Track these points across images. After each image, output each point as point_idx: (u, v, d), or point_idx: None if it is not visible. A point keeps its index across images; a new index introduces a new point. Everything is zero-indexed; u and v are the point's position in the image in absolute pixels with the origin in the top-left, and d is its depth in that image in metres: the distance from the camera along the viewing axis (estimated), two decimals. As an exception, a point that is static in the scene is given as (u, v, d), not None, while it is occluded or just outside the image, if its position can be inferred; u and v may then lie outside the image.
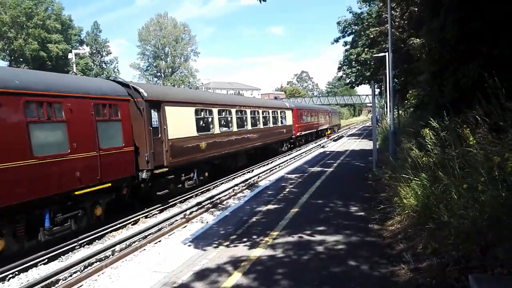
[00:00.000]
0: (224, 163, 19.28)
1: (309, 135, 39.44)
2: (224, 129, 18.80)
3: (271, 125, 26.50)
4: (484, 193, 4.91)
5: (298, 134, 33.88)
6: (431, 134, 7.78)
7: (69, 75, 14.34)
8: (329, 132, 46.20)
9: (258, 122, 24.09)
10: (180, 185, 14.68)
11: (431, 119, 7.74)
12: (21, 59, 51.45)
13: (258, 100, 37.50)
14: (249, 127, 22.22)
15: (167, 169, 13.33)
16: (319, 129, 43.92)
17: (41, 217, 8.96)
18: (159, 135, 13.14)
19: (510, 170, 4.52)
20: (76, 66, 40.92)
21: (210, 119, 17.37)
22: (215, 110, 17.73)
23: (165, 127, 13.34)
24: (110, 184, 10.74)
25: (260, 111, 24.83)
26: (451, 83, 9.31)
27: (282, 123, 29.37)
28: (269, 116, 26.33)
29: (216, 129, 17.64)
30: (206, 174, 16.91)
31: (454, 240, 4.91)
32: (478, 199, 4.98)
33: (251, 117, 22.73)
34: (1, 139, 7.88)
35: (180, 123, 14.45)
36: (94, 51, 69.76)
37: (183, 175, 14.81)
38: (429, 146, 7.69)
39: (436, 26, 10.06)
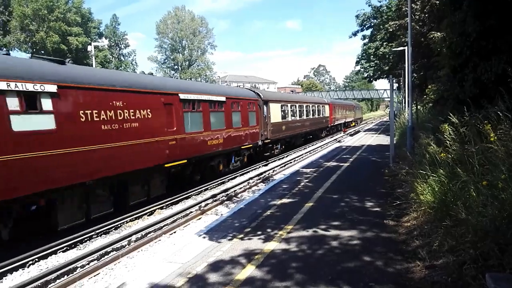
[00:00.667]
0: (292, 141, 28.51)
1: (339, 125, 47.83)
2: (293, 118, 27.86)
3: (316, 116, 35.18)
4: (505, 190, 4.79)
5: (332, 124, 41.97)
6: (450, 129, 7.63)
7: (241, 89, 24.36)
8: (353, 124, 56.04)
9: (309, 114, 32.78)
10: (273, 151, 24.08)
11: (451, 115, 7.59)
12: (43, 52, 52.36)
13: (309, 97, 47.74)
14: (304, 117, 31.13)
15: (269, 140, 22.66)
16: (346, 120, 51.85)
17: (231, 158, 18.42)
18: (266, 120, 22.20)
19: (532, 168, 4.41)
20: (95, 59, 41.45)
21: (286, 111, 26.37)
22: (289, 105, 27.11)
23: (269, 115, 22.66)
24: (251, 145, 20.11)
25: (310, 105, 33.42)
26: (471, 79, 9.11)
27: (322, 114, 37.71)
28: (315, 109, 34.87)
29: (289, 118, 26.89)
30: (283, 147, 26.25)
31: (471, 238, 4.81)
32: (497, 197, 4.86)
33: (306, 110, 31.58)
34: (236, 119, 18.37)
35: (275, 113, 23.81)
36: (113, 44, 70.47)
37: (274, 145, 24.29)
38: (447, 142, 7.56)
39: (458, 19, 9.83)
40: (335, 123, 44.65)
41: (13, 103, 8.01)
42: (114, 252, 8.58)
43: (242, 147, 19.12)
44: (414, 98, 22.27)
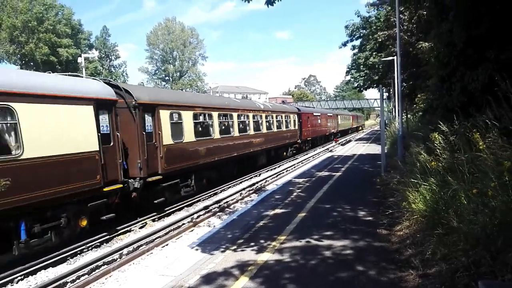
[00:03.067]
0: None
1: (346, 130, 59.47)
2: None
3: (324, 126, 42.17)
4: (495, 198, 4.84)
5: (337, 130, 50.22)
6: (440, 138, 7.71)
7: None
8: (361, 128, 73.67)
9: (325, 125, 41.99)
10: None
11: (440, 123, 7.68)
12: (32, 63, 52.11)
13: (323, 110, 54.88)
14: (322, 127, 41.39)
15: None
16: (352, 126, 66.64)
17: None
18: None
19: (521, 175, 4.46)
20: (85, 70, 41.30)
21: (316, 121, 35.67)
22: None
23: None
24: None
25: (320, 118, 40.02)
26: (459, 88, 9.25)
27: (329, 125, 44.86)
28: (324, 121, 42.18)
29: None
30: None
31: (463, 246, 4.84)
32: (488, 205, 4.91)
33: (321, 122, 40.57)
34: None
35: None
36: (103, 55, 70.38)
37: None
38: (438, 150, 7.63)
39: (444, 29, 10.01)
40: (340, 129, 51.34)
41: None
42: (105, 266, 8.44)
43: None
44: (404, 107, 22.52)
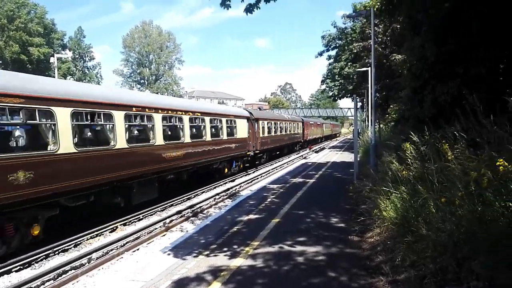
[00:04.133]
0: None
1: (324, 137, 65.81)
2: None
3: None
4: (461, 207, 5.01)
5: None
6: (411, 148, 7.92)
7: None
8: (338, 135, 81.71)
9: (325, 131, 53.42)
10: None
11: (412, 134, 7.89)
12: (0, 61, 50.36)
13: (325, 122, 67.10)
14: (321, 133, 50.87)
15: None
16: (325, 134, 67.09)
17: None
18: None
19: (486, 185, 4.64)
20: (57, 70, 40.24)
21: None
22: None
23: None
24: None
25: (316, 127, 50.49)
26: (430, 100, 9.56)
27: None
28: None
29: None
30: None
31: (431, 253, 4.98)
32: (455, 213, 5.07)
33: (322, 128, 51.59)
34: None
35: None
36: (77, 56, 68.92)
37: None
38: (409, 160, 7.83)
39: (417, 44, 10.35)
40: (313, 137, 53.17)
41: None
42: (73, 271, 8.19)
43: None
44: (377, 117, 23.04)
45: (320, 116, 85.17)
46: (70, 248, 9.86)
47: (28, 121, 8.83)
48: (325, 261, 6.67)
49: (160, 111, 13.92)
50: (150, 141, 13.31)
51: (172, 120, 15.00)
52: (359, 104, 43.31)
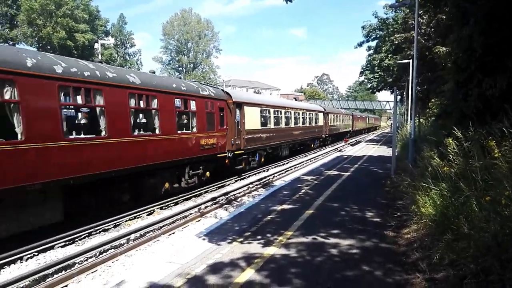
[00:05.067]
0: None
1: (367, 128, 75.33)
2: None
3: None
4: (508, 207, 4.80)
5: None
6: (454, 143, 7.66)
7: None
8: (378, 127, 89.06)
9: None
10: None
11: (455, 129, 7.62)
12: (49, 47, 52.58)
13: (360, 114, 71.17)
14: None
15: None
16: (368, 126, 76.45)
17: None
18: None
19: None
20: (100, 56, 41.60)
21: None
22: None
23: None
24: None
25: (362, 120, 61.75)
26: (476, 93, 9.15)
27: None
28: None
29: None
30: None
31: (473, 253, 4.81)
32: (500, 213, 4.87)
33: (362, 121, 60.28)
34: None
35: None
36: (119, 43, 70.81)
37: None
38: (451, 155, 7.58)
39: (464, 35, 9.90)
40: (357, 129, 62.48)
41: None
42: (112, 250, 8.58)
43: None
44: (417, 111, 22.33)
45: (357, 108, 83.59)
46: (110, 228, 10.30)
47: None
48: (359, 255, 6.60)
49: (286, 108, 27.20)
50: (288, 125, 26.90)
51: (293, 114, 28.03)
52: (398, 97, 42.17)
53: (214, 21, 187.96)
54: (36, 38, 54.38)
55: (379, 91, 51.92)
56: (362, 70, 48.89)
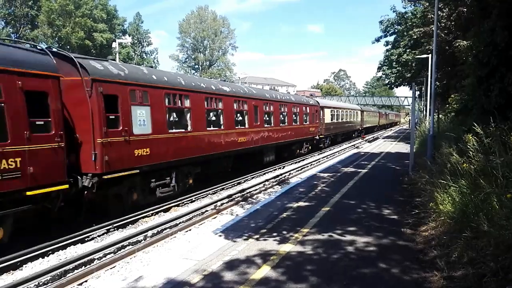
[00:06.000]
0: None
1: (388, 124, 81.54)
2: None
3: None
4: (530, 204, 4.69)
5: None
6: (474, 140, 7.50)
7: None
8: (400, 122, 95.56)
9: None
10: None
11: (475, 125, 7.46)
12: (68, 47, 53.56)
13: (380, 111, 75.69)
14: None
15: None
16: (388, 122, 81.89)
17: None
18: None
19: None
20: (118, 55, 42.18)
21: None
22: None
23: None
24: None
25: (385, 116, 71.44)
26: (498, 89, 8.94)
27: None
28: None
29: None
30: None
31: (493, 251, 4.72)
32: (522, 210, 4.77)
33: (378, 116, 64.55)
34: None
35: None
36: (136, 41, 71.64)
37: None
38: (471, 152, 7.42)
39: (486, 28, 9.67)
40: (382, 124, 69.98)
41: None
42: (130, 246, 8.70)
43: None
44: (436, 106, 21.92)
45: (375, 104, 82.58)
46: (128, 225, 10.46)
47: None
48: (376, 252, 6.54)
49: (343, 109, 39.34)
50: (343, 120, 38.67)
51: (345, 112, 39.21)
52: (417, 93, 41.48)
53: (229, 18, 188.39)
54: (56, 39, 55.49)
55: (397, 87, 51.05)
56: (380, 65, 48.19)
